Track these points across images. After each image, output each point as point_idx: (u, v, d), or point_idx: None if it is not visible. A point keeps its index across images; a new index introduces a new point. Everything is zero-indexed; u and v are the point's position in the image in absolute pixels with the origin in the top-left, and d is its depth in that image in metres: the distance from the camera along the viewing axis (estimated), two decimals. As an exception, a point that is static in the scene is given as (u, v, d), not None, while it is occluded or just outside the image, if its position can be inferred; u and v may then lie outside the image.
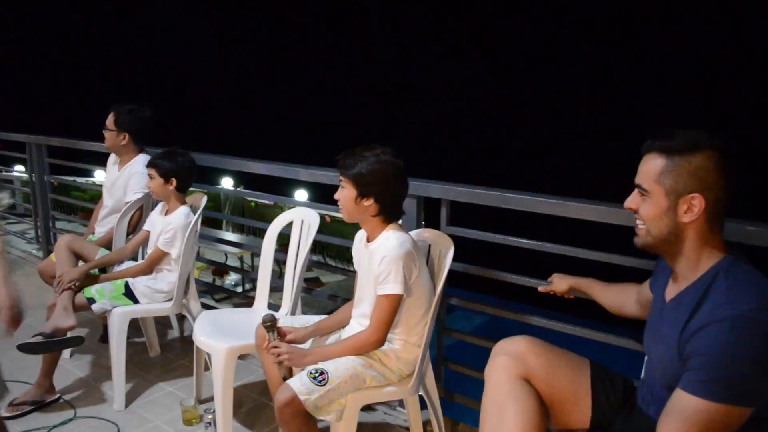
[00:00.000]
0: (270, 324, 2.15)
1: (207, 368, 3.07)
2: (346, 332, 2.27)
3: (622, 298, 1.87)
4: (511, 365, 1.62)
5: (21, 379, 3.06)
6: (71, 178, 7.64)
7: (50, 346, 2.71)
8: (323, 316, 2.38)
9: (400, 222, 2.21)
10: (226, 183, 11.57)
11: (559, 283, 2.06)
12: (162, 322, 3.62)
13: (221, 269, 7.84)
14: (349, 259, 2.67)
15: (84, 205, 6.89)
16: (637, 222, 1.48)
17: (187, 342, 3.59)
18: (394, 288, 2.02)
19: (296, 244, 2.75)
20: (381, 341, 2.09)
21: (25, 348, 2.64)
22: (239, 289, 7.59)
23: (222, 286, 6.52)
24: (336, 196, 2.16)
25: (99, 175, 12.07)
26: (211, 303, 4.46)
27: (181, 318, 3.71)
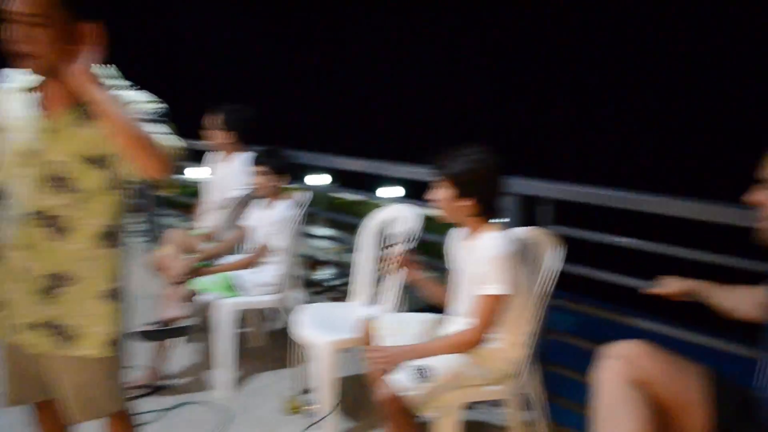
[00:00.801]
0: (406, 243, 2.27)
1: (306, 360, 3.17)
2: (447, 331, 2.27)
3: (740, 301, 1.78)
4: (624, 369, 1.57)
5: (135, 364, 3.26)
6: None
7: (162, 334, 2.89)
8: (429, 314, 2.39)
9: (499, 220, 2.20)
10: (314, 179, 11.78)
11: (673, 285, 1.98)
12: (264, 313, 3.74)
13: (313, 262, 8.01)
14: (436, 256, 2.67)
15: (182, 200, 7.23)
16: (762, 217, 1.41)
17: (287, 334, 3.69)
18: (498, 288, 2.01)
19: (394, 240, 2.77)
20: (482, 340, 2.09)
21: (139, 336, 2.83)
22: (333, 283, 7.71)
23: (315, 280, 6.66)
24: (433, 195, 2.17)
25: (189, 173, 12.61)
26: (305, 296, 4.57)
27: (281, 310, 3.82)
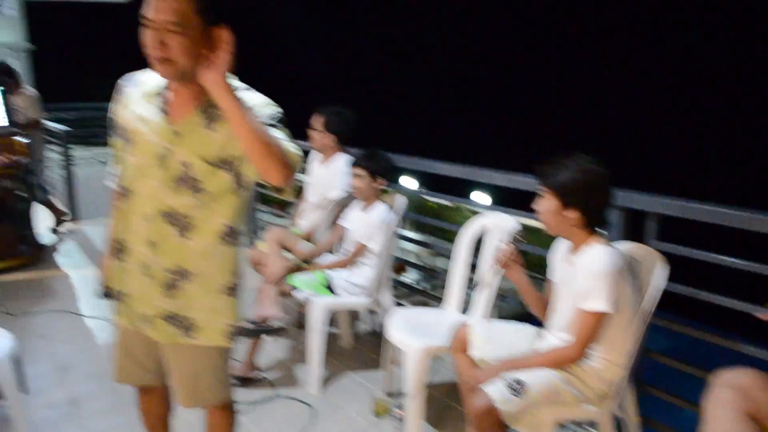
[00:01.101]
0: (517, 238, 2.25)
1: (396, 363, 3.19)
2: (543, 344, 2.23)
3: None
4: (735, 400, 1.50)
5: (233, 358, 3.39)
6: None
7: (256, 332, 3.00)
8: (523, 325, 2.35)
9: (604, 233, 2.14)
10: (405, 182, 11.85)
11: None
12: (354, 315, 3.80)
13: (400, 265, 8.08)
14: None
15: (276, 197, 7.44)
16: None
17: (376, 335, 3.74)
18: (601, 304, 1.95)
19: (489, 249, 2.75)
20: (581, 357, 2.04)
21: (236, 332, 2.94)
22: (419, 286, 7.74)
23: (402, 282, 6.70)
24: (535, 206, 2.14)
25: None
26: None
27: (371, 311, 3.88)
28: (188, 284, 1.74)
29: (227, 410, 1.97)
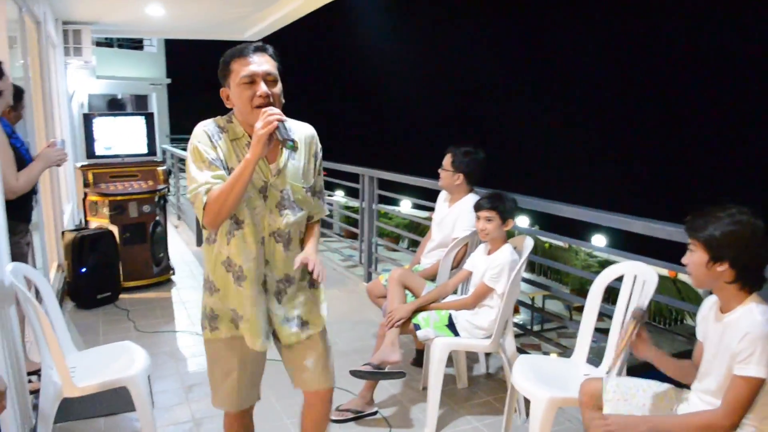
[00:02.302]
0: (640, 317, 2.10)
1: (516, 411, 3.08)
2: (687, 408, 2.07)
3: None
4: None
5: (346, 388, 3.41)
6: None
7: (376, 375, 3.00)
8: (659, 383, 2.21)
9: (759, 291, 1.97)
10: (522, 222, 11.71)
11: None
12: (470, 356, 3.73)
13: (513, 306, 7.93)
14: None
15: (391, 230, 7.51)
16: None
17: (492, 379, 3.65)
18: (758, 371, 1.79)
19: (626, 300, 2.61)
20: (734, 426, 1.86)
21: (356, 374, 3.00)
22: (531, 327, 7.56)
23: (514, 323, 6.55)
24: (684, 260, 2.00)
25: (404, 205, 13.09)
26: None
27: (487, 354, 3.79)
28: (290, 288, 2.08)
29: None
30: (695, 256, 1.95)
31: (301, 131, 2.05)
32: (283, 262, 2.03)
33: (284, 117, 1.87)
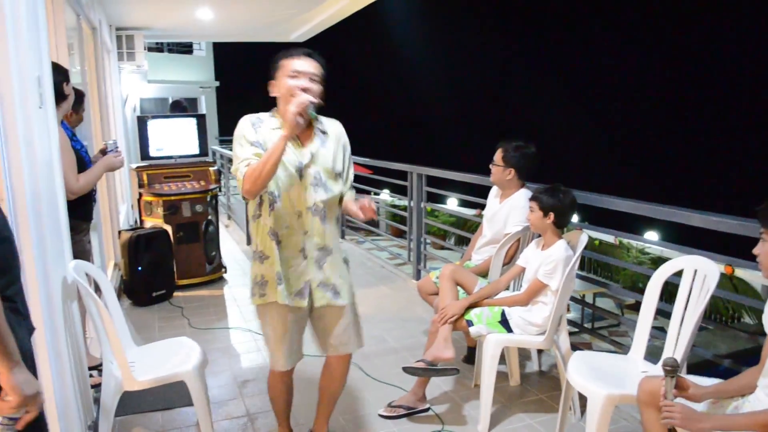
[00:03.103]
0: (671, 369, 1.92)
1: (571, 408, 3.03)
2: (752, 404, 2.00)
3: None
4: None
5: (398, 385, 3.42)
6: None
7: (429, 372, 3.00)
8: (715, 380, 2.13)
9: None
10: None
11: None
12: (522, 354, 3.68)
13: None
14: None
15: (440, 227, 7.50)
16: None
17: (545, 376, 3.59)
18: (831, 366, 1.72)
19: (686, 295, 2.54)
20: (804, 424, 1.80)
21: (409, 371, 3.01)
22: (582, 325, 7.43)
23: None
24: (756, 250, 1.93)
25: (450, 203, 13.02)
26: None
27: (539, 351, 3.74)
28: (329, 257, 2.41)
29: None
30: (767, 246, 1.88)
31: (331, 125, 2.45)
32: (321, 234, 2.37)
33: (314, 99, 2.23)
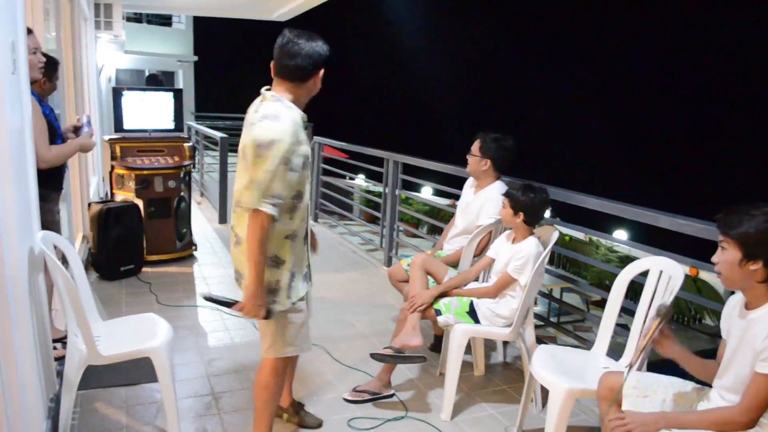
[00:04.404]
0: (665, 313, 2.05)
1: (533, 400, 3.08)
2: (706, 405, 2.06)
3: None
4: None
5: (363, 370, 3.44)
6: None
7: (396, 359, 3.02)
8: (679, 380, 2.19)
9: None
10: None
11: None
12: (487, 344, 3.73)
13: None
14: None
15: (413, 215, 7.52)
16: None
17: (509, 368, 3.65)
18: (783, 369, 1.77)
19: (650, 295, 2.59)
20: (752, 423, 1.85)
21: (377, 357, 3.02)
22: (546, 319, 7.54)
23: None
24: (715, 258, 1.97)
25: (424, 192, 13.07)
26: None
27: (505, 343, 3.79)
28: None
29: None
30: (727, 254, 1.92)
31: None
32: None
33: None
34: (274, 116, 2.13)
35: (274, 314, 2.30)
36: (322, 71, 2.26)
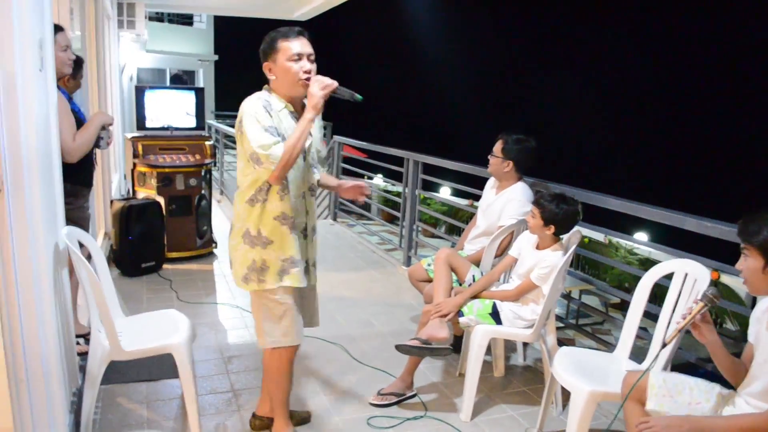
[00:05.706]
0: (712, 299, 2.07)
1: (553, 402, 3.06)
2: (732, 412, 2.02)
3: None
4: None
5: (383, 369, 3.43)
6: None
7: (423, 351, 2.98)
8: (705, 381, 2.16)
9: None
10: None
11: None
12: (508, 345, 3.71)
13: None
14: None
15: (432, 215, 7.51)
16: None
17: (529, 370, 3.62)
18: (813, 376, 1.74)
19: (675, 298, 2.56)
20: (781, 431, 1.82)
21: (402, 349, 2.97)
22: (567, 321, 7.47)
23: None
24: (738, 265, 1.95)
25: (443, 192, 13.02)
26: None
27: (525, 344, 3.76)
28: (315, 236, 2.57)
29: None
30: (750, 262, 1.89)
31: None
32: (313, 214, 2.53)
33: (335, 83, 2.26)
34: (245, 101, 2.31)
35: None
36: (279, 58, 2.29)
